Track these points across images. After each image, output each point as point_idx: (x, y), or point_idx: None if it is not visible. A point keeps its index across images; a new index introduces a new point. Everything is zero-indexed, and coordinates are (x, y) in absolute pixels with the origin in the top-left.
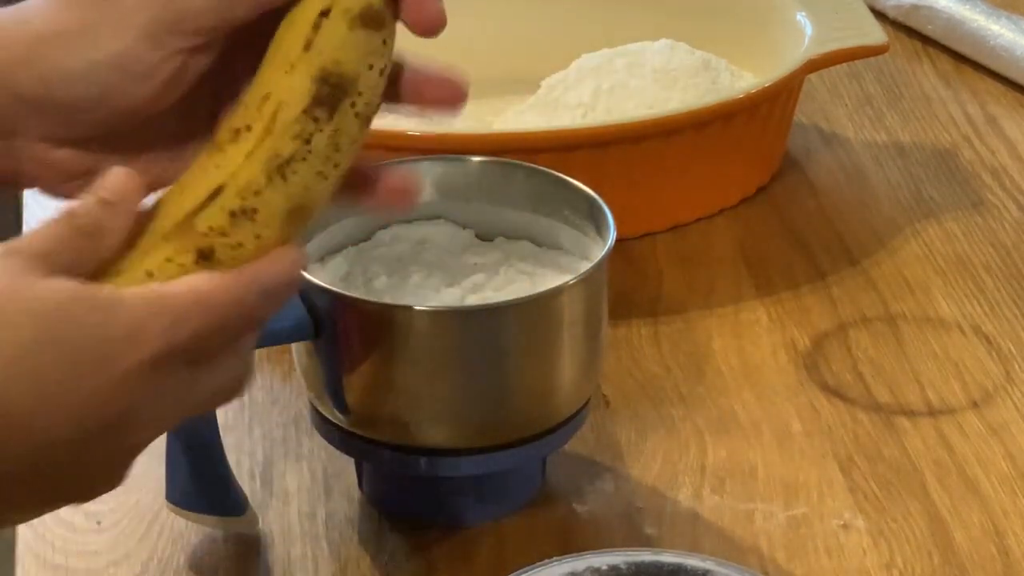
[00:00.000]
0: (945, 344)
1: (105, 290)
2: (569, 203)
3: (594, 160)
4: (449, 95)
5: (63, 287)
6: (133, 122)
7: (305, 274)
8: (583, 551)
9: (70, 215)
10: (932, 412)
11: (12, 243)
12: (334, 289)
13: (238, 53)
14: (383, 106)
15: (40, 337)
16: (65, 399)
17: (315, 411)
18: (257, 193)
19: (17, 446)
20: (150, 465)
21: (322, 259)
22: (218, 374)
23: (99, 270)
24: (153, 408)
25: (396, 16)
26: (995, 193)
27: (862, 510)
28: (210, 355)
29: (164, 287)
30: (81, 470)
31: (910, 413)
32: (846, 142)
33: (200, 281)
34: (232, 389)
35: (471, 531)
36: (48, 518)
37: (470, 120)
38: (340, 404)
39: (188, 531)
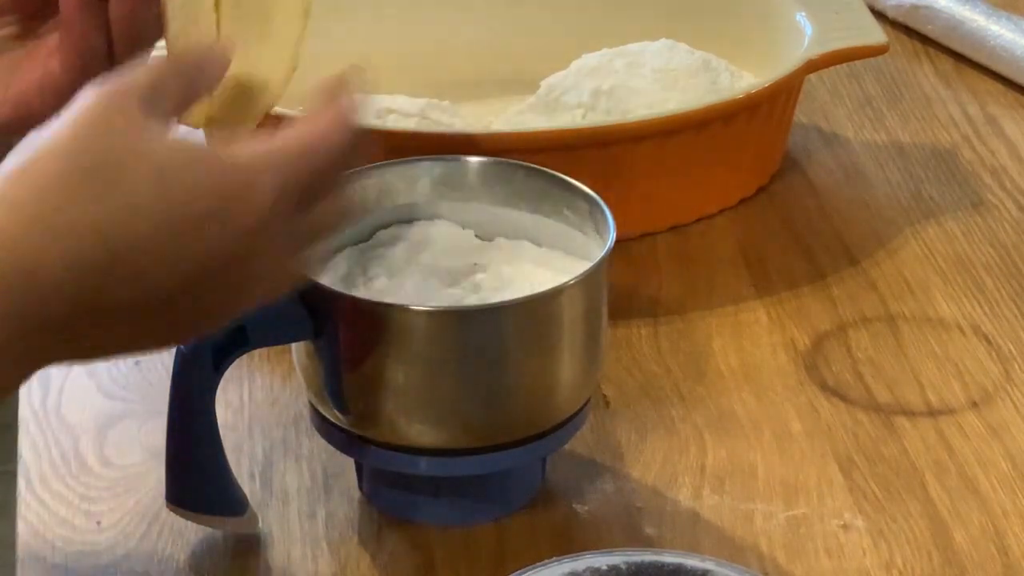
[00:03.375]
0: (945, 344)
1: (222, 153)
2: (569, 203)
3: (594, 160)
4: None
5: (182, 146)
6: None
7: None
8: (583, 551)
9: (174, 58)
10: (932, 412)
11: (121, 80)
12: (334, 289)
13: None
14: None
15: (161, 192)
16: (182, 251)
17: (315, 411)
18: None
19: (129, 288)
20: (150, 465)
21: (322, 259)
22: (322, 211)
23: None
24: (267, 257)
25: None
26: (995, 193)
27: (862, 510)
28: (317, 196)
29: (272, 142)
30: (188, 316)
31: (910, 413)
32: (846, 142)
33: (304, 132)
34: (336, 222)
35: (471, 531)
36: (48, 518)
37: (470, 120)
38: (340, 404)
39: (188, 531)
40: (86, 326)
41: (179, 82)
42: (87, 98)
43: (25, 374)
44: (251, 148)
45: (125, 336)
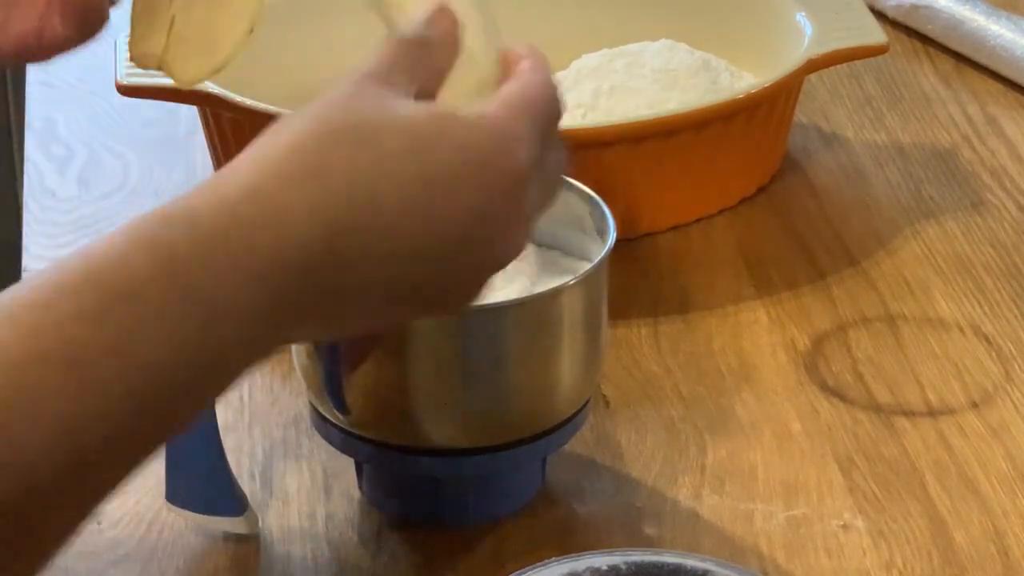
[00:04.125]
0: (945, 344)
1: (473, 113)
2: (569, 203)
3: (594, 160)
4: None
5: (435, 112)
6: None
7: None
8: (583, 551)
9: (399, 37)
10: (932, 412)
11: (362, 68)
12: None
13: None
14: None
15: (417, 154)
16: (439, 211)
17: (315, 411)
18: None
19: (383, 255)
20: (150, 465)
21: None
22: (556, 157)
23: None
24: (520, 214)
25: None
26: (995, 193)
27: (862, 510)
28: (552, 141)
29: (509, 91)
30: (444, 283)
31: (910, 413)
32: (846, 142)
33: (531, 75)
34: (561, 171)
35: (471, 531)
36: None
37: None
38: (340, 404)
39: (188, 531)
40: (332, 301)
41: (412, 57)
42: (330, 92)
43: (270, 349)
44: (497, 103)
45: (373, 310)
